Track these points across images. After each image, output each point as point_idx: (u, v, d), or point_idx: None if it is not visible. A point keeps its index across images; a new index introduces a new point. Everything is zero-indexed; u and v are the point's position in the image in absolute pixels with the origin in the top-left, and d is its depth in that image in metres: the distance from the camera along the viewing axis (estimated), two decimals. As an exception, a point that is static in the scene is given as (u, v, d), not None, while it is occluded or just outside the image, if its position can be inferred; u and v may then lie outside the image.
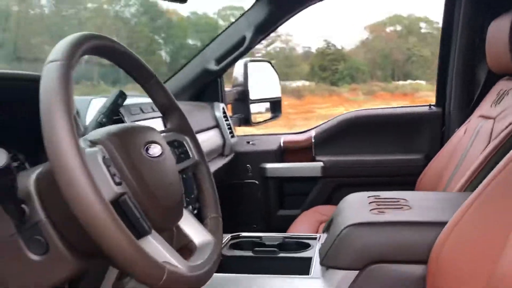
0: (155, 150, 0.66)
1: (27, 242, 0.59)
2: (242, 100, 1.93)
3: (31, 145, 0.68)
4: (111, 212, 0.51)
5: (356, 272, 0.89)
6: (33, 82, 0.57)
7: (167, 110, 0.80)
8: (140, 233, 0.58)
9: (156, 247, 0.59)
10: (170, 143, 0.74)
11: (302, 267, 1.00)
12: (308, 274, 0.97)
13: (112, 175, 0.57)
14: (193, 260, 0.65)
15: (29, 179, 0.60)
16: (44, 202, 0.59)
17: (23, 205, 0.59)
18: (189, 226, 0.71)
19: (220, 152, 1.64)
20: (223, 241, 1.15)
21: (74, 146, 0.50)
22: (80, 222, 0.51)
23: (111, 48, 0.68)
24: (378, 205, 1.01)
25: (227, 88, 1.92)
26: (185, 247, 0.69)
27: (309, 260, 1.03)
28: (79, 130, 0.68)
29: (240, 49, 1.62)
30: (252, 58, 2.03)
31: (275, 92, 2.14)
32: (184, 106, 1.52)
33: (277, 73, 2.14)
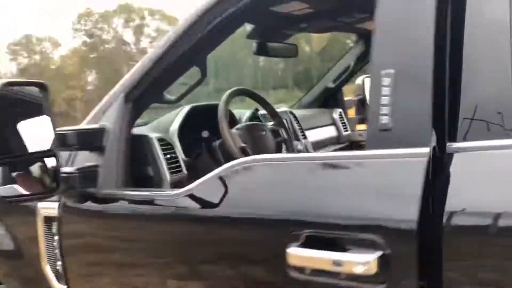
0: (262, 132, 1.63)
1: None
2: (361, 104, 2.77)
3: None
4: (240, 152, 1.50)
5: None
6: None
7: (271, 116, 1.76)
8: None
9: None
10: (271, 130, 1.71)
11: None
12: None
13: (242, 141, 1.56)
14: None
15: (217, 143, 1.63)
16: (222, 150, 1.61)
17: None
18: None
19: (335, 141, 2.53)
20: None
21: (228, 131, 1.51)
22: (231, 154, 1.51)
23: (247, 92, 1.68)
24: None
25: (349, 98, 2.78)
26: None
27: None
28: (233, 125, 1.71)
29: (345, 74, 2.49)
30: (368, 75, 2.84)
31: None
32: (310, 112, 2.46)
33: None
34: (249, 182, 1.05)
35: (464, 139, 0.84)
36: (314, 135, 2.27)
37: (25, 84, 1.25)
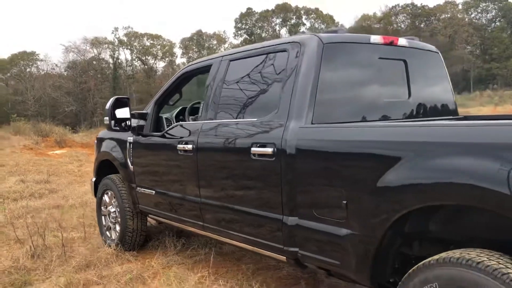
0: None
1: None
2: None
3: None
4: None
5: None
6: None
7: None
8: None
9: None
10: None
11: None
12: None
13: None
14: None
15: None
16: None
17: None
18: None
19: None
20: None
21: (187, 116, 4.15)
22: None
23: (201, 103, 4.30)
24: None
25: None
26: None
27: None
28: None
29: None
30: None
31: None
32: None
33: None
34: (179, 129, 3.64)
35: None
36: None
37: (121, 98, 4.06)
